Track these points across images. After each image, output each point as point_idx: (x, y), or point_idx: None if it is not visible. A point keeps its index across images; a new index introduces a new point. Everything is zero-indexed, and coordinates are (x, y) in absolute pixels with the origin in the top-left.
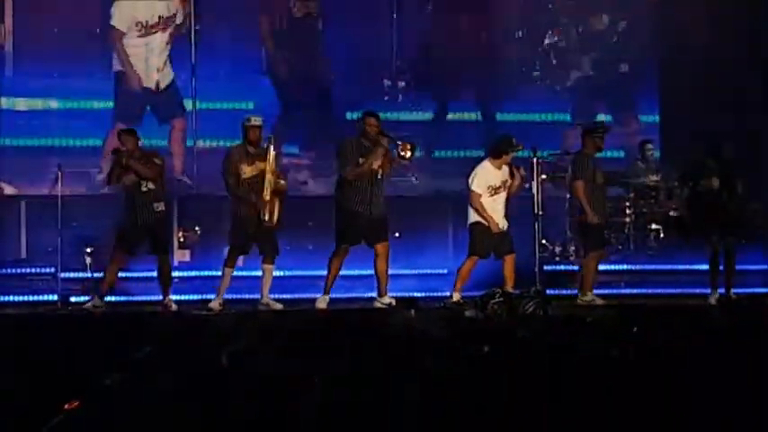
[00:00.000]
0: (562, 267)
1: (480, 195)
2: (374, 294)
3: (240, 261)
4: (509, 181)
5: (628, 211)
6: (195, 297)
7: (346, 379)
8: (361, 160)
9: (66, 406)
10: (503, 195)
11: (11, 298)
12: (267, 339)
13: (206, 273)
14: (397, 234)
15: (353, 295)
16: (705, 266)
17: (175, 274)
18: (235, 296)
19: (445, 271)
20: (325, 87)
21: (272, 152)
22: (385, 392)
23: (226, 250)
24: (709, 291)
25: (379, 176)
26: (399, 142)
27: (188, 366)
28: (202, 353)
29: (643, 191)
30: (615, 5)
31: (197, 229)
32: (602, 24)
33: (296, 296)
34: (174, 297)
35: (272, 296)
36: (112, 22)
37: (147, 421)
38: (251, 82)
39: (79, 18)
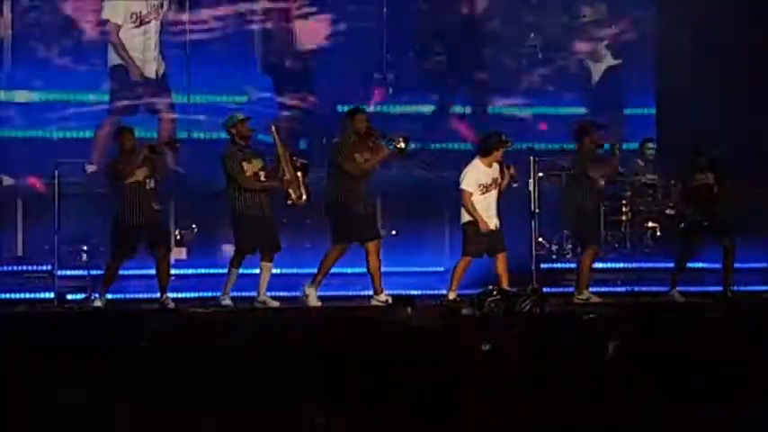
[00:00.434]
0: (559, 265)
1: (471, 194)
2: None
3: None
4: (500, 178)
5: (624, 209)
6: (193, 295)
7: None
8: (357, 156)
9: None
10: (494, 193)
11: (7, 296)
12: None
13: (203, 270)
14: (393, 232)
15: (351, 293)
16: (701, 264)
17: (172, 271)
18: (232, 293)
19: (442, 269)
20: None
21: (276, 135)
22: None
23: (225, 248)
24: (713, 288)
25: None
26: (392, 137)
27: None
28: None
29: (640, 189)
30: None
31: (194, 226)
32: (600, 15)
33: (293, 294)
34: (171, 295)
35: (268, 294)
36: (106, 16)
37: None
38: (244, 76)
39: (78, 10)
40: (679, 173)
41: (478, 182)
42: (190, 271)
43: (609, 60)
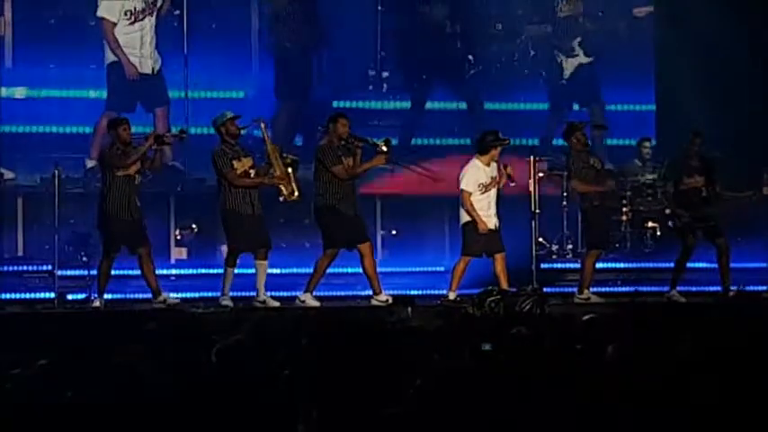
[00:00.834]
0: (559, 265)
1: (470, 194)
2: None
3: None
4: (498, 177)
5: (624, 209)
6: (193, 295)
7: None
8: (344, 159)
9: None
10: (493, 193)
11: (8, 296)
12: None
13: (203, 271)
14: (394, 232)
15: (350, 293)
16: (700, 264)
17: (173, 272)
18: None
19: (442, 269)
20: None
21: (266, 132)
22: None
23: (224, 249)
24: (716, 288)
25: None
26: (375, 142)
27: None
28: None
29: (639, 188)
30: None
31: (194, 226)
32: (576, 10)
33: (293, 294)
34: (172, 295)
35: (268, 293)
36: (101, 14)
37: None
38: (241, 71)
39: (77, 8)
40: (669, 175)
41: (478, 181)
42: (190, 271)
43: (582, 57)
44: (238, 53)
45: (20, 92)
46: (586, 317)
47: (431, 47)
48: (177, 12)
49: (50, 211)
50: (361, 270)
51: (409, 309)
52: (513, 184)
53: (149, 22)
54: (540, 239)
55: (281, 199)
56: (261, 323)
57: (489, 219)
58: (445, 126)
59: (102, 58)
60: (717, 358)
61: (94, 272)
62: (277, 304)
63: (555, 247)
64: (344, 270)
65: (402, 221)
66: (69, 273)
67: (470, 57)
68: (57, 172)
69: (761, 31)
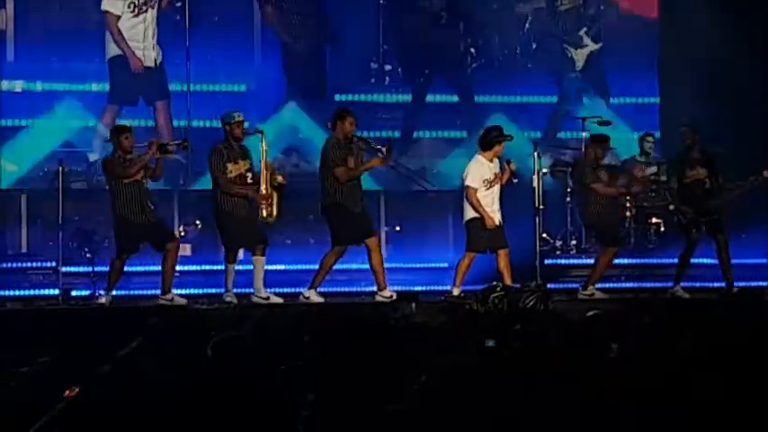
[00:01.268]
0: (563, 261)
1: (476, 190)
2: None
3: (240, 254)
4: (501, 173)
5: (628, 205)
6: (197, 291)
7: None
8: (348, 158)
9: (66, 393)
10: (497, 188)
11: (12, 292)
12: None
13: (207, 267)
14: (397, 228)
15: (354, 289)
16: (704, 260)
17: (176, 268)
18: (235, 291)
19: (446, 264)
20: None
21: (264, 147)
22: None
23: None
24: (720, 284)
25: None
26: (375, 144)
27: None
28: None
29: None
30: None
31: (197, 223)
32: (575, 2)
33: (297, 290)
34: (176, 291)
35: (271, 290)
36: (105, 7)
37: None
38: (243, 64)
39: (79, 2)
40: (672, 171)
41: (483, 177)
42: (194, 267)
43: (591, 45)
44: (240, 46)
45: (20, 85)
46: (590, 313)
47: (432, 40)
48: (179, 3)
49: (54, 207)
50: (366, 266)
51: (413, 305)
52: (515, 181)
53: (151, 14)
54: (544, 235)
55: (259, 217)
56: (264, 320)
57: (494, 215)
58: (447, 119)
59: (104, 51)
60: (719, 355)
61: (98, 268)
62: (280, 301)
63: (559, 243)
64: (349, 266)
65: (406, 218)
66: (73, 269)
67: (472, 50)
68: (61, 168)
69: (762, 28)
